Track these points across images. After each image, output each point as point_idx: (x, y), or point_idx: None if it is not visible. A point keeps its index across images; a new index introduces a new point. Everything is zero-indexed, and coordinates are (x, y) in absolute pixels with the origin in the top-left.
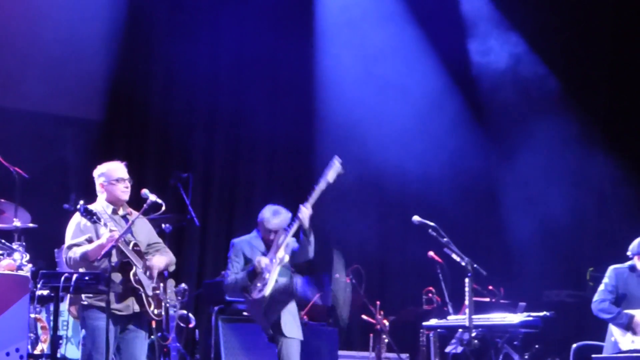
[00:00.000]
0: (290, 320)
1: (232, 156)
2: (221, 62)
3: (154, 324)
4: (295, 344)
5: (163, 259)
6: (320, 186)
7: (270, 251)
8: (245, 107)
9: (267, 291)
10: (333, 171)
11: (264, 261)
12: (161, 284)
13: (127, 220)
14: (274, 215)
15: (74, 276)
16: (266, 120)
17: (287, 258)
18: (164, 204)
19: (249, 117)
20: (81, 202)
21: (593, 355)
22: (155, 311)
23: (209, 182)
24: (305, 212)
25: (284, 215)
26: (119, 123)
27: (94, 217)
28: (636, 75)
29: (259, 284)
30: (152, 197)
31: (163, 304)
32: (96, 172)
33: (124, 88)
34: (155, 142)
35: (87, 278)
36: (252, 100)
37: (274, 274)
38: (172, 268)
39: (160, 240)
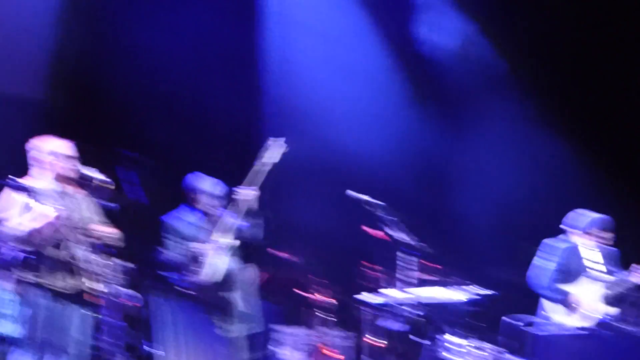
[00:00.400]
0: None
1: (183, 136)
2: (166, 40)
3: (95, 301)
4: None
5: (108, 232)
6: (256, 168)
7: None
8: (196, 89)
9: (208, 276)
10: (271, 152)
11: (203, 245)
12: (107, 261)
13: (71, 198)
14: (213, 185)
15: (8, 251)
16: (217, 102)
17: (235, 242)
18: (110, 183)
19: (200, 99)
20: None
21: (533, 333)
22: (96, 286)
23: (156, 161)
24: (244, 193)
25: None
26: (64, 101)
27: (36, 195)
28: (585, 55)
29: (198, 268)
30: (99, 176)
31: (105, 279)
32: (42, 149)
33: (68, 66)
34: (101, 121)
35: (24, 255)
36: (202, 82)
37: (215, 258)
38: (118, 244)
39: (107, 220)
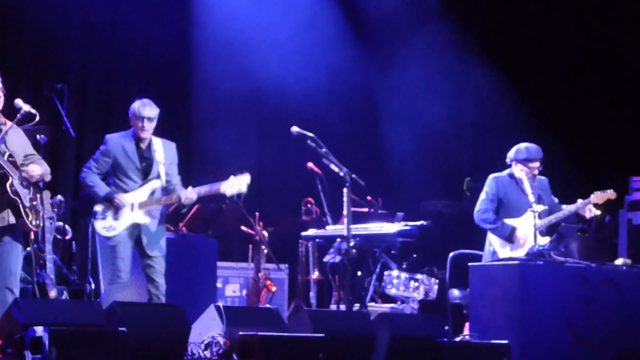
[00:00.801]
0: (153, 238)
1: (107, 66)
2: None
3: (32, 235)
4: (160, 261)
5: (39, 168)
6: (214, 188)
7: (139, 193)
8: (121, 17)
9: (110, 234)
10: (236, 183)
11: (125, 201)
12: (38, 195)
13: (0, 131)
14: (143, 105)
15: None
16: (142, 31)
17: (145, 221)
18: (37, 114)
19: (125, 27)
20: None
21: (470, 264)
22: (34, 222)
23: (84, 92)
24: (189, 195)
25: (153, 104)
26: None
27: None
28: None
29: (111, 221)
30: (26, 107)
31: (41, 214)
32: None
33: None
34: (29, 52)
35: None
36: (127, 10)
37: (126, 221)
38: (47, 178)
39: (35, 152)
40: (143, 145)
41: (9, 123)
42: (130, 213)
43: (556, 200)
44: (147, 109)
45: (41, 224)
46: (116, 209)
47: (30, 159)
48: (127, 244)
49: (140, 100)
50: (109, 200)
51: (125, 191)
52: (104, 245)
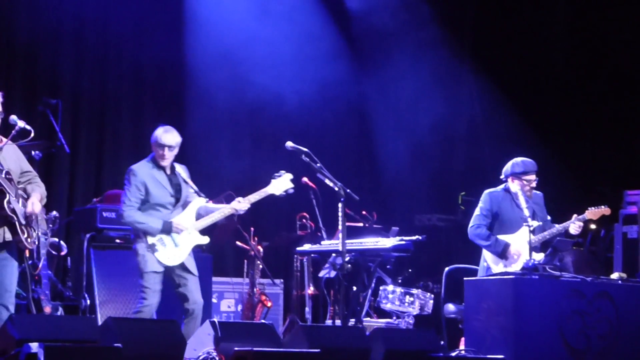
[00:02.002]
0: (191, 258)
1: (100, 81)
2: None
3: (27, 253)
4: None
5: (38, 203)
6: (263, 192)
7: (188, 215)
8: (113, 31)
9: (176, 262)
10: (280, 183)
11: (183, 225)
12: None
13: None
14: (165, 132)
15: None
16: (135, 45)
17: (205, 241)
18: (32, 130)
19: (118, 42)
20: None
21: (465, 279)
22: (29, 239)
23: (77, 108)
24: (242, 206)
25: (175, 132)
26: None
27: None
28: (505, 2)
29: (174, 249)
30: (21, 123)
31: (35, 232)
32: None
33: None
34: (22, 68)
35: None
36: (120, 25)
37: (188, 244)
38: (44, 201)
39: (32, 169)
40: (168, 171)
41: (4, 140)
42: (189, 237)
43: (548, 217)
44: (170, 137)
45: (36, 242)
46: (172, 237)
47: (27, 176)
48: (158, 274)
49: (164, 127)
50: (168, 230)
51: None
52: (146, 276)
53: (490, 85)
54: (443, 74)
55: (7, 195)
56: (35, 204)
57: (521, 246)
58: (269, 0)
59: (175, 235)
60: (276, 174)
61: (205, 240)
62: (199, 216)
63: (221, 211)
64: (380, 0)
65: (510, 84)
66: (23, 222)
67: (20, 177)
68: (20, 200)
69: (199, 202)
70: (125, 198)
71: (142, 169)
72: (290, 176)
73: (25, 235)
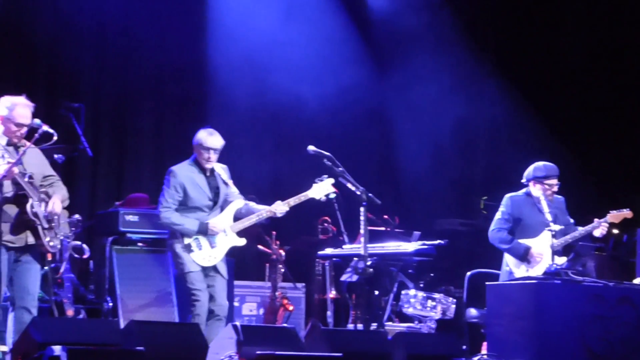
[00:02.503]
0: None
1: (122, 85)
2: None
3: (49, 257)
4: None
5: (59, 203)
6: (303, 195)
7: (225, 216)
8: (135, 34)
9: (212, 263)
10: (322, 188)
11: (219, 227)
12: (55, 217)
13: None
14: (210, 135)
15: None
16: (157, 49)
17: (242, 242)
18: (55, 134)
19: (139, 45)
20: None
21: (487, 283)
22: (52, 243)
23: (99, 111)
24: (281, 208)
25: (219, 134)
26: (7, 52)
27: None
28: (527, 6)
29: (210, 250)
30: (44, 127)
31: (58, 235)
32: (1, 104)
33: (11, 16)
34: (44, 72)
35: None
36: (141, 27)
37: (224, 246)
38: (66, 203)
39: (55, 173)
40: (208, 173)
41: (27, 143)
42: (225, 238)
43: (571, 220)
44: (215, 140)
45: (58, 246)
46: (208, 238)
47: (49, 180)
48: (200, 273)
49: (207, 130)
50: (204, 231)
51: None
52: (180, 279)
53: (511, 89)
54: (464, 77)
55: (30, 199)
56: (56, 204)
57: (543, 248)
58: (292, 3)
59: (212, 236)
60: (318, 179)
61: (241, 242)
62: (239, 216)
63: (259, 213)
64: (402, 4)
65: (531, 88)
66: (46, 226)
67: (43, 181)
68: (43, 204)
69: (238, 203)
70: (163, 199)
71: (182, 171)
72: (331, 181)
73: (48, 239)
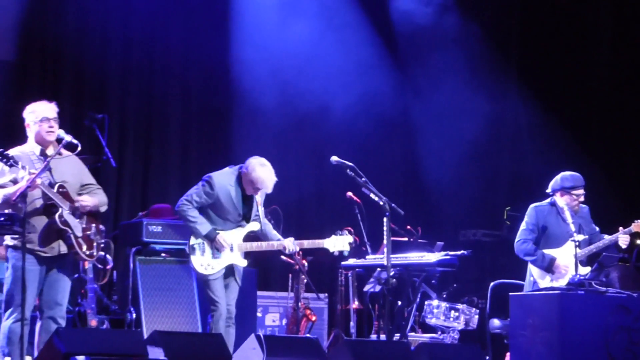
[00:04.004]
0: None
1: (147, 95)
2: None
3: (86, 265)
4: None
5: (90, 199)
6: (317, 242)
7: (237, 233)
8: (160, 46)
9: (207, 272)
10: (339, 242)
11: (226, 242)
12: (92, 225)
13: (55, 160)
14: (269, 178)
15: None
16: (181, 59)
17: (243, 264)
18: (79, 145)
19: (164, 56)
20: None
21: (511, 294)
22: (87, 252)
23: (124, 122)
24: (292, 247)
25: (272, 175)
26: (32, 63)
27: (10, 160)
28: (550, 11)
29: (210, 259)
30: (68, 138)
31: (95, 244)
32: (25, 112)
33: (37, 27)
34: (70, 82)
35: (1, 219)
36: (167, 39)
37: (226, 260)
38: (103, 209)
39: (94, 182)
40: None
41: (65, 153)
42: (229, 254)
43: (597, 229)
44: (269, 185)
45: (95, 254)
46: (213, 247)
47: (88, 188)
48: (221, 280)
49: (266, 171)
50: (211, 239)
51: (218, 229)
52: (200, 279)
53: (535, 99)
54: (488, 88)
55: (60, 209)
56: (85, 200)
57: (568, 260)
58: (319, 14)
59: (219, 250)
60: (339, 231)
61: (243, 263)
62: (254, 238)
63: (271, 244)
64: (425, 13)
65: (555, 97)
66: (79, 234)
67: (81, 190)
68: (77, 213)
69: (254, 225)
70: (190, 195)
71: (221, 182)
72: (350, 239)
73: (84, 249)
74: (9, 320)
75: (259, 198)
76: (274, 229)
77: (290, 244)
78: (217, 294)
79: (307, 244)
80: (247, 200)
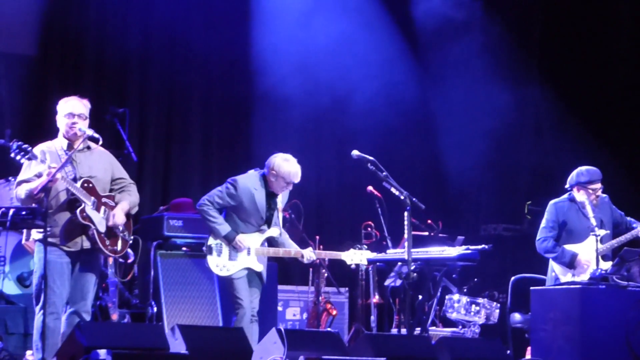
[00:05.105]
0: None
1: (168, 89)
2: None
3: (110, 261)
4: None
5: (121, 214)
6: (335, 254)
7: (257, 237)
8: (181, 40)
9: (223, 273)
10: (356, 256)
11: (245, 244)
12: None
13: (80, 156)
14: (295, 170)
15: (10, 211)
16: (203, 53)
17: (259, 269)
18: (100, 139)
19: (185, 50)
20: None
21: (532, 288)
22: (111, 247)
23: (145, 116)
24: (310, 255)
25: (300, 169)
26: (53, 58)
27: (29, 154)
28: (571, 4)
29: (226, 261)
30: (89, 132)
31: (120, 240)
32: (58, 105)
33: (58, 22)
34: (90, 77)
35: (23, 213)
36: (188, 33)
37: (242, 263)
38: (134, 210)
39: (126, 176)
40: (272, 195)
41: (95, 147)
42: (246, 257)
43: (621, 212)
44: (298, 176)
45: (119, 250)
46: (231, 249)
47: (120, 183)
48: (245, 279)
49: (293, 164)
50: (229, 240)
51: (239, 232)
52: (222, 279)
53: (556, 92)
54: (510, 81)
55: (83, 204)
56: (117, 216)
57: (590, 255)
58: (337, 6)
59: (235, 249)
60: (358, 245)
61: (259, 267)
62: (270, 243)
63: (288, 251)
64: (446, 4)
65: (576, 91)
66: (102, 230)
67: (113, 185)
68: (103, 208)
69: (274, 232)
70: (212, 195)
71: (245, 185)
72: (368, 254)
73: (107, 244)
74: (40, 315)
75: (280, 204)
76: (290, 239)
77: (309, 253)
78: (241, 294)
79: (324, 254)
80: (271, 204)
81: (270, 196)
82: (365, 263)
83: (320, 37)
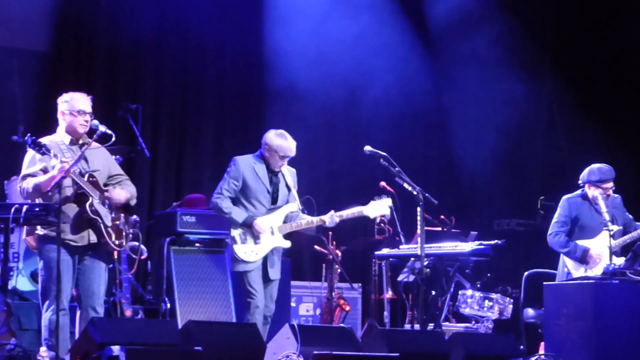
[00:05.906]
0: (276, 262)
1: (181, 86)
2: None
3: (115, 255)
4: (276, 284)
5: (123, 192)
6: (357, 211)
7: (275, 217)
8: (194, 35)
9: (253, 259)
10: (379, 207)
11: (262, 227)
12: (121, 215)
13: (88, 151)
14: (287, 142)
15: (24, 207)
16: (216, 47)
17: (286, 245)
18: (114, 135)
19: (198, 45)
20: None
21: (545, 283)
22: (117, 242)
23: (158, 112)
24: (329, 220)
25: (293, 141)
26: (66, 54)
27: (43, 149)
28: (585, 7)
29: (253, 246)
30: (102, 128)
31: (124, 234)
32: (60, 100)
33: (70, 18)
34: (103, 73)
35: (36, 209)
36: (201, 29)
37: (269, 244)
38: (133, 202)
39: (122, 172)
40: (273, 173)
41: (94, 144)
42: (271, 237)
43: (630, 217)
44: (292, 149)
45: (124, 244)
46: (255, 234)
47: (117, 179)
48: (260, 270)
49: (282, 135)
50: (248, 225)
51: (255, 215)
52: (235, 274)
53: (569, 88)
54: (523, 76)
55: (91, 198)
56: (119, 193)
57: (602, 250)
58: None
59: (259, 235)
60: (377, 197)
61: (286, 244)
62: (287, 220)
63: (310, 221)
64: (460, 0)
65: (589, 86)
66: (109, 224)
67: (109, 180)
68: (107, 203)
69: (292, 207)
70: (219, 187)
71: (244, 161)
72: (389, 202)
73: (113, 238)
74: (48, 313)
75: (291, 181)
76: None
77: (329, 217)
78: (255, 287)
79: (346, 213)
80: (274, 180)
81: (271, 173)
82: (388, 212)
83: (334, 31)
